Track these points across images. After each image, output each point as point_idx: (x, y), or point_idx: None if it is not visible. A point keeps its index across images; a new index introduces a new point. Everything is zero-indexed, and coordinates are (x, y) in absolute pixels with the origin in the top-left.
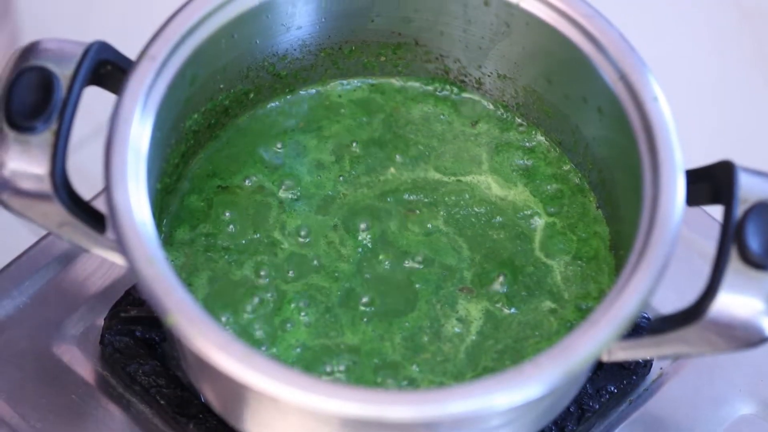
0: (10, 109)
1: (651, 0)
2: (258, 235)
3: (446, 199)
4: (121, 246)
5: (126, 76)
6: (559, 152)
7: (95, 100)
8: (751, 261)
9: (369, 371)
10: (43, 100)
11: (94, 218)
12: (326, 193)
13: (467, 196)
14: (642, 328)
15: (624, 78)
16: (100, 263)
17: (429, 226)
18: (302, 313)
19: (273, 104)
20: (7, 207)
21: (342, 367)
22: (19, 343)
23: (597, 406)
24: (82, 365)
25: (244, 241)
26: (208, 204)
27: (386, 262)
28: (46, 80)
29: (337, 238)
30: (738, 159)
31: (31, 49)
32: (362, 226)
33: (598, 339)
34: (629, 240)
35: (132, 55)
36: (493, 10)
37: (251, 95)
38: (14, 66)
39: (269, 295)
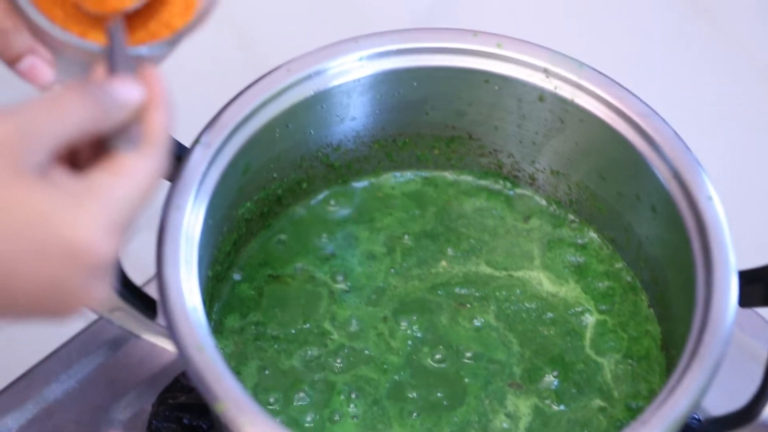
0: None
1: (706, 99)
2: (308, 325)
3: (497, 293)
4: (171, 332)
5: (180, 163)
6: (611, 250)
7: None
8: None
9: None
10: None
11: (145, 304)
12: (377, 284)
13: (518, 291)
14: (693, 429)
15: (678, 177)
16: (150, 349)
17: (480, 320)
18: (351, 405)
19: (326, 194)
20: None
21: None
22: (66, 427)
23: None
24: None
25: (294, 331)
26: (258, 293)
27: (435, 356)
28: None
29: (387, 330)
30: None
31: None
32: (412, 318)
33: None
34: (681, 340)
35: (186, 141)
36: (547, 105)
37: (304, 185)
38: None
39: (318, 385)
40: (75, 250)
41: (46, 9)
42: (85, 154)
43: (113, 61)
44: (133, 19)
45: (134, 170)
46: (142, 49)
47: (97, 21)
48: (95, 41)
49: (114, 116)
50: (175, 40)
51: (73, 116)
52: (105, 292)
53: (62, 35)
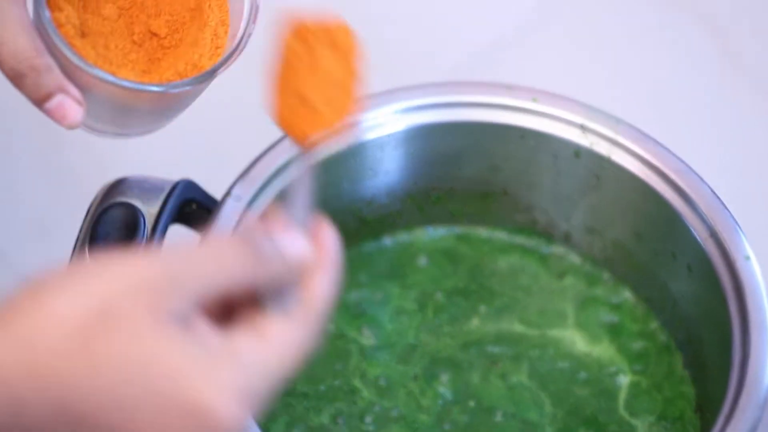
0: (95, 245)
1: (744, 155)
2: (338, 381)
3: (530, 352)
4: None
5: (211, 216)
6: (646, 309)
7: (179, 239)
8: None
9: None
10: (127, 236)
11: None
12: (408, 341)
13: (551, 350)
14: None
15: (715, 235)
16: None
17: (512, 379)
18: None
19: (358, 249)
20: None
21: None
22: None
23: None
24: None
25: (323, 388)
26: None
27: (466, 415)
28: (131, 216)
29: (417, 389)
30: None
31: (117, 185)
32: (443, 377)
33: None
34: (716, 402)
35: (217, 194)
36: (583, 162)
37: None
38: (101, 201)
39: None
40: (199, 413)
41: (78, 48)
42: (239, 302)
43: (294, 204)
44: (162, 59)
45: (280, 337)
46: (171, 87)
47: (127, 62)
48: (126, 78)
49: (273, 270)
50: (203, 78)
51: (229, 268)
52: None
53: (96, 72)
